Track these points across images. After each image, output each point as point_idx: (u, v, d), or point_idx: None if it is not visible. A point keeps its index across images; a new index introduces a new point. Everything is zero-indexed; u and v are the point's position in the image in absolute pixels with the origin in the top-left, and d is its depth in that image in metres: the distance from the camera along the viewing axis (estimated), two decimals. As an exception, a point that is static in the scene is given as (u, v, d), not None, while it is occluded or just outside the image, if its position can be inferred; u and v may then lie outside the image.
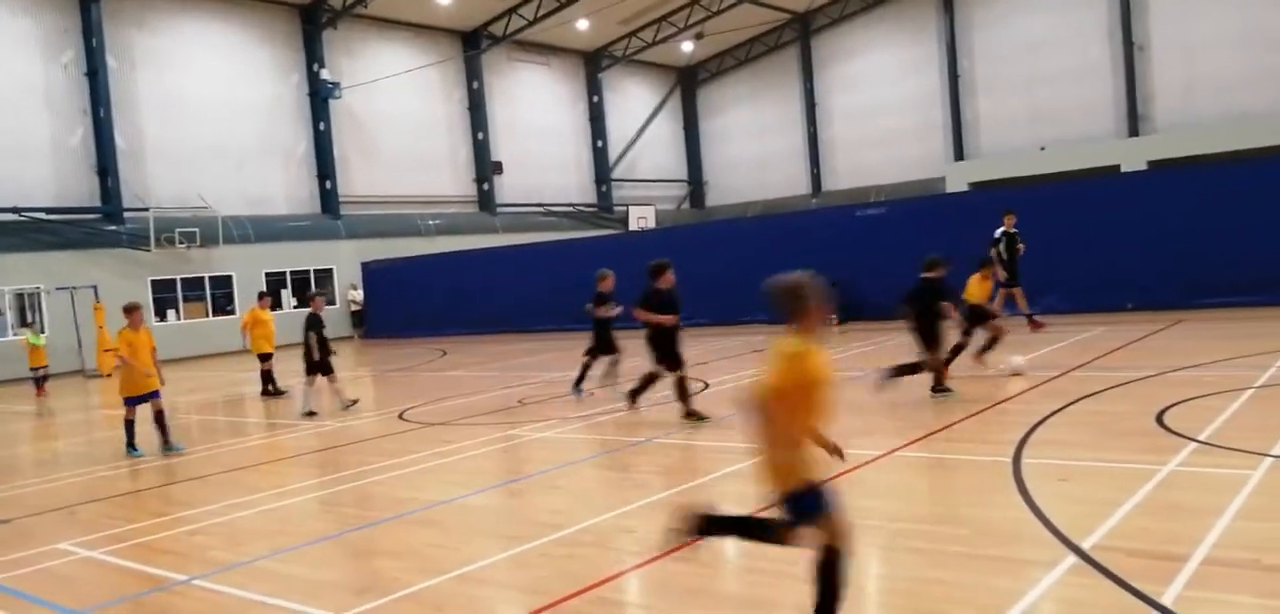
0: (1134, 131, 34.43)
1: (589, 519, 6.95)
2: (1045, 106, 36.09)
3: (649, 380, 11.44)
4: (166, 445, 11.51)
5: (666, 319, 10.96)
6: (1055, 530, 5.74)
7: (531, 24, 36.73)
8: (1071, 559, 5.27)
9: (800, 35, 43.40)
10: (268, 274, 31.07)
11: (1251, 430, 7.83)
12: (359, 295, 33.35)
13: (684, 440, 9.73)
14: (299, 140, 33.43)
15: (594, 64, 43.54)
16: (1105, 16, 35.04)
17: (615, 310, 13.35)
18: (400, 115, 36.16)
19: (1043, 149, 34.73)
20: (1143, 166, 28.67)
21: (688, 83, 47.95)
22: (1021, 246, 16.80)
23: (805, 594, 4.54)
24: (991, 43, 37.75)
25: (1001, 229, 16.84)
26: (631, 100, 45.45)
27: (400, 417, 13.00)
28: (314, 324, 14.28)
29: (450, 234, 35.60)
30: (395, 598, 5.64)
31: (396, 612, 5.46)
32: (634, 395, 11.64)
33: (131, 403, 11.51)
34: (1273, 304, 16.18)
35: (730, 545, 6.27)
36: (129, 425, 11.52)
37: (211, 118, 30.73)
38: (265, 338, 17.04)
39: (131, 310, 11.64)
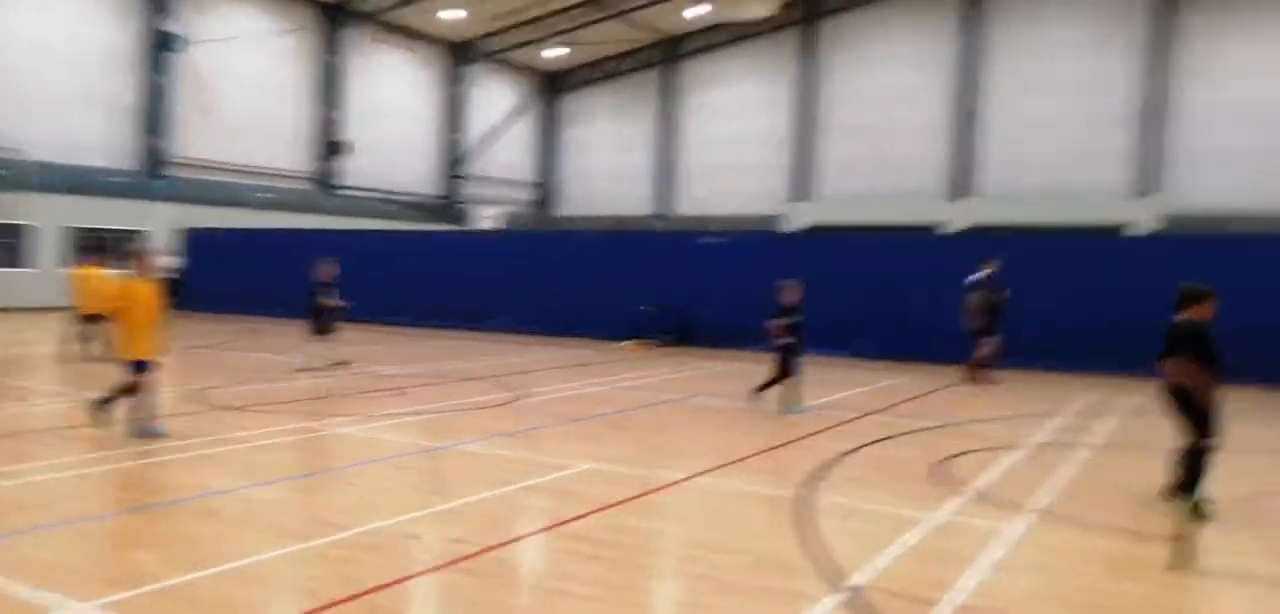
0: (961, 194, 36.64)
1: (377, 521, 6.73)
2: (884, 158, 37.91)
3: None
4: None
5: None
6: (829, 567, 5.97)
7: (401, 5, 35.67)
8: (839, 596, 5.47)
9: (666, 58, 44.08)
10: (76, 229, 28.84)
11: (1021, 486, 8.40)
12: (175, 263, 31.39)
13: (490, 449, 9.61)
14: (129, 91, 31.28)
15: (459, 57, 42.84)
16: (948, 82, 37.18)
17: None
18: (247, 80, 34.44)
19: (874, 202, 36.46)
20: (964, 228, 30.58)
21: (551, 89, 47.86)
22: (1005, 294, 15.86)
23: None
24: (843, 91, 39.39)
25: (980, 274, 15.97)
26: (493, 99, 44.95)
27: (198, 397, 12.29)
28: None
29: (281, 210, 34.07)
30: (146, 591, 5.28)
31: (144, 606, 5.11)
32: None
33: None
34: (1064, 370, 17.49)
35: (519, 560, 6.22)
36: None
37: (28, 57, 28.36)
38: (93, 296, 15.66)
39: None
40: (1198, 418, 7.55)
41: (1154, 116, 33.78)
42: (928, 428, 11.48)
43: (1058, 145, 34.81)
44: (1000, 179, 36.16)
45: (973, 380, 15.88)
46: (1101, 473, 9.35)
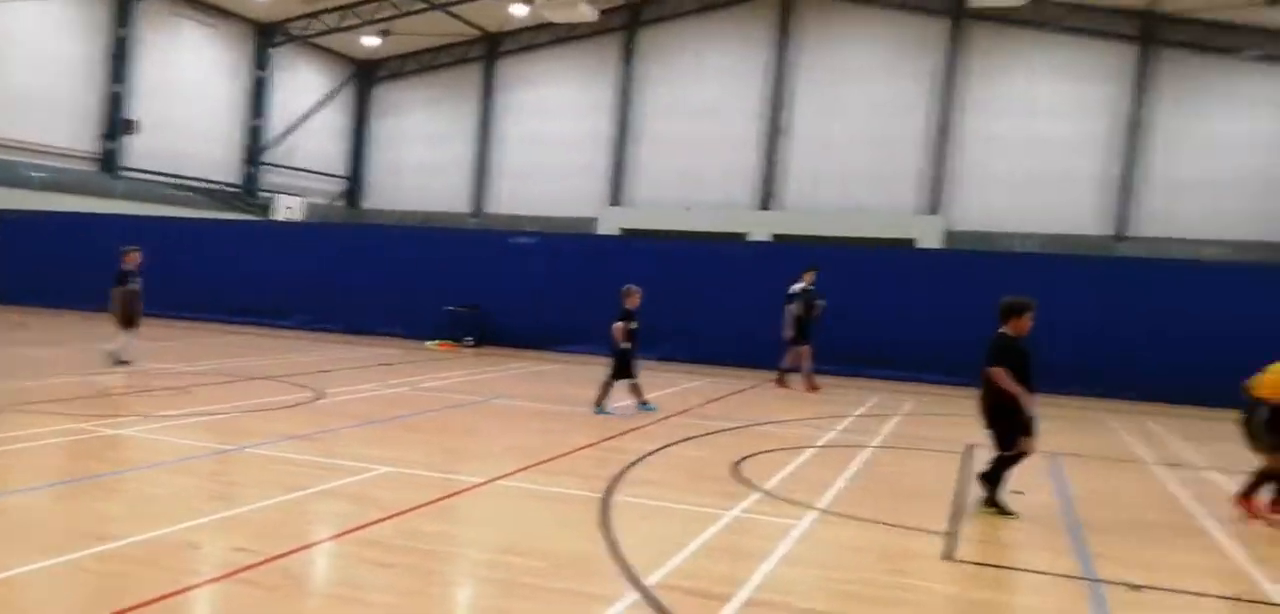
0: (765, 205, 38.16)
1: (149, 531, 6.28)
2: (696, 168, 38.94)
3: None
4: None
5: None
6: (625, 567, 6.07)
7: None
8: (633, 596, 5.58)
9: (486, 54, 43.46)
10: None
11: (808, 484, 8.85)
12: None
13: (281, 452, 9.18)
14: None
15: (267, 38, 40.59)
16: (758, 98, 38.60)
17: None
18: (23, 46, 31.34)
19: (688, 209, 37.43)
20: (768, 238, 31.89)
21: (365, 78, 46.17)
22: (820, 304, 16.49)
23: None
24: (659, 100, 40.13)
25: (800, 284, 16.54)
26: (301, 84, 42.86)
27: (-52, 394, 11.09)
28: None
29: (57, 190, 31.24)
30: None
31: None
32: None
33: None
34: (854, 375, 18.57)
35: (307, 569, 5.97)
36: None
37: None
38: None
39: None
40: (1008, 427, 7.97)
41: (940, 141, 36.42)
42: (728, 429, 11.89)
43: (855, 163, 36.91)
44: (802, 192, 37.93)
45: (783, 384, 16.56)
46: (880, 471, 9.97)
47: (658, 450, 10.12)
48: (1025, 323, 8.04)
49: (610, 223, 37.79)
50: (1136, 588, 6.22)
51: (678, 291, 19.80)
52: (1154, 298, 18.12)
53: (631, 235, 32.78)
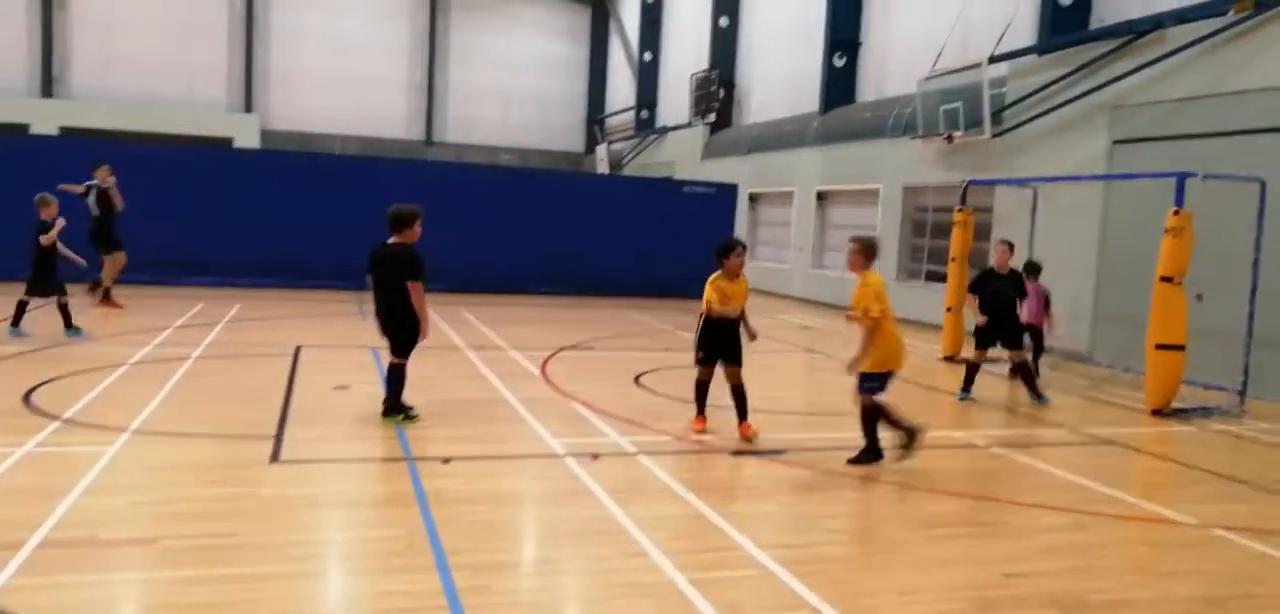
0: (48, 93, 32.84)
1: None
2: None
3: None
4: None
5: None
6: None
7: None
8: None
9: None
10: None
11: (120, 406, 8.05)
12: None
13: None
14: None
15: None
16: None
17: None
18: None
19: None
20: (55, 131, 27.52)
21: None
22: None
23: None
24: None
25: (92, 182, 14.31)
26: None
27: None
28: None
29: None
30: None
31: None
32: None
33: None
34: (175, 283, 17.18)
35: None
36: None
37: None
38: None
39: None
40: (409, 335, 7.92)
41: (247, 33, 34.96)
42: (14, 354, 10.19)
43: (153, 51, 33.61)
44: (88, 81, 33.41)
45: (105, 300, 14.53)
46: (204, 381, 9.51)
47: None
48: (417, 231, 7.91)
49: None
50: (447, 460, 6.95)
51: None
52: (459, 199, 19.98)
53: None
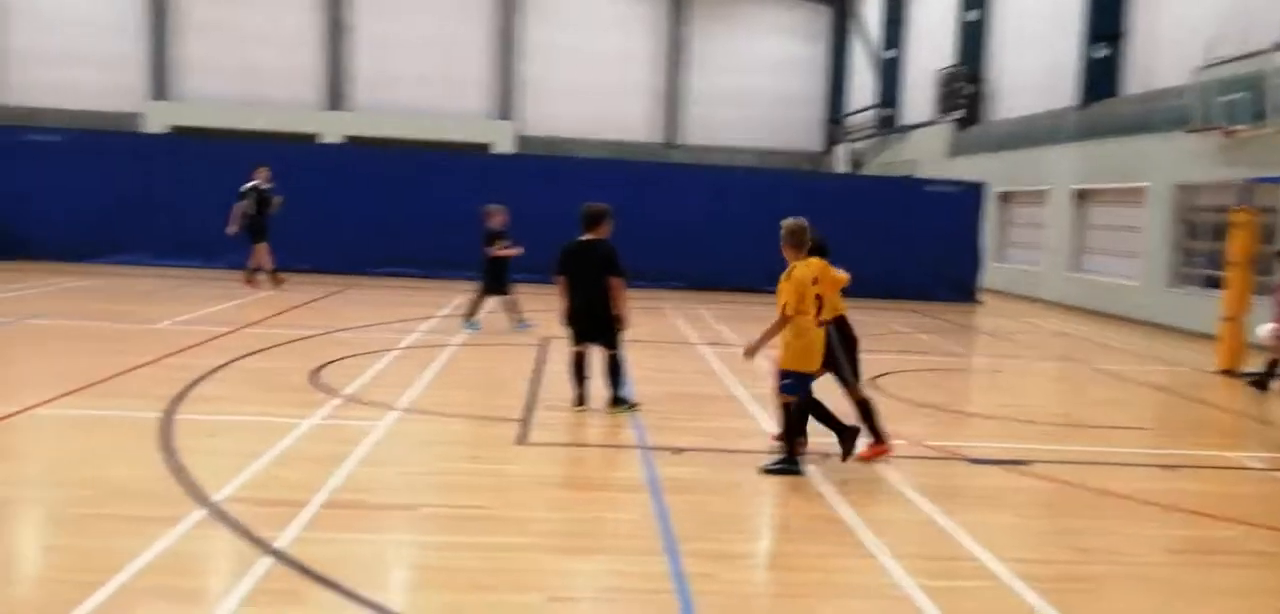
0: (335, 106, 36.54)
1: None
2: (252, 63, 35.99)
3: None
4: None
5: None
6: (189, 485, 5.71)
7: None
8: (199, 512, 5.29)
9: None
10: None
11: (390, 386, 8.89)
12: None
13: None
14: None
15: None
16: (318, -8, 36.47)
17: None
18: None
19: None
20: (340, 140, 30.63)
21: None
22: (276, 201, 16.39)
23: None
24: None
25: (252, 182, 16.30)
26: None
27: None
28: None
29: None
30: None
31: None
32: None
33: None
34: (445, 278, 18.65)
35: None
36: None
37: None
38: None
39: None
40: (617, 327, 8.23)
41: (506, 49, 37.28)
42: (305, 337, 11.47)
43: (426, 66, 36.57)
44: (372, 94, 36.82)
45: (251, 284, 16.27)
46: (462, 367, 10.28)
47: (228, 364, 9.51)
48: (608, 228, 8.29)
49: (158, 120, 33.77)
50: (679, 451, 7.14)
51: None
52: (699, 199, 20.36)
53: (184, 135, 29.59)
